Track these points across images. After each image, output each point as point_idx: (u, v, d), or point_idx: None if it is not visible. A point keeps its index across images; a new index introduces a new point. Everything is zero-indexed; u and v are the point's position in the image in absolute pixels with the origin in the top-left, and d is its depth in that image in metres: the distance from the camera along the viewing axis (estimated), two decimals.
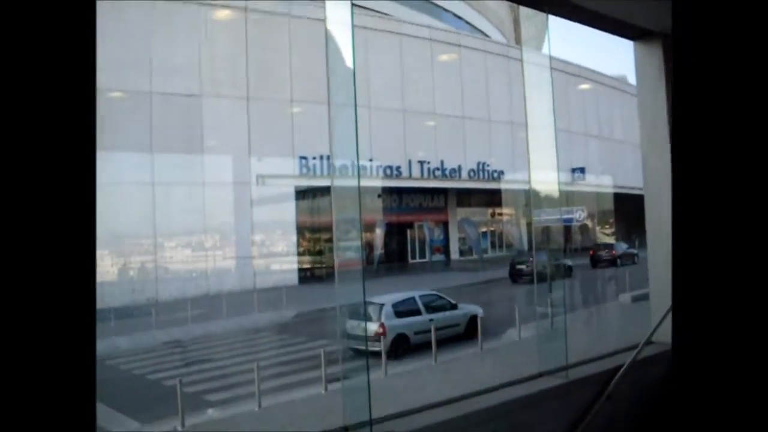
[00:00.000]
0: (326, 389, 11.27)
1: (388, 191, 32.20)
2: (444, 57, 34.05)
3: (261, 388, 11.05)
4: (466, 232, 37.11)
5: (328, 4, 3.96)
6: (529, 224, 30.67)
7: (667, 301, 4.80)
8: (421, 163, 32.56)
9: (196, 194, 24.78)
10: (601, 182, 39.56)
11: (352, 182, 4.15)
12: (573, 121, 36.05)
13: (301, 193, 28.40)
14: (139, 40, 23.54)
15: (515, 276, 26.65)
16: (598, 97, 41.21)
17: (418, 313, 16.28)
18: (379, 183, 30.63)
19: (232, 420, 10.53)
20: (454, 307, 17.05)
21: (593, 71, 41.27)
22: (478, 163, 34.64)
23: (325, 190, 25.66)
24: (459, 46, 35.13)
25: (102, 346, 15.25)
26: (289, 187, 28.10)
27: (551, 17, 4.63)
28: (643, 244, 6.08)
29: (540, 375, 4.45)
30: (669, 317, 4.74)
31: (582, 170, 37.01)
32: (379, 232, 32.67)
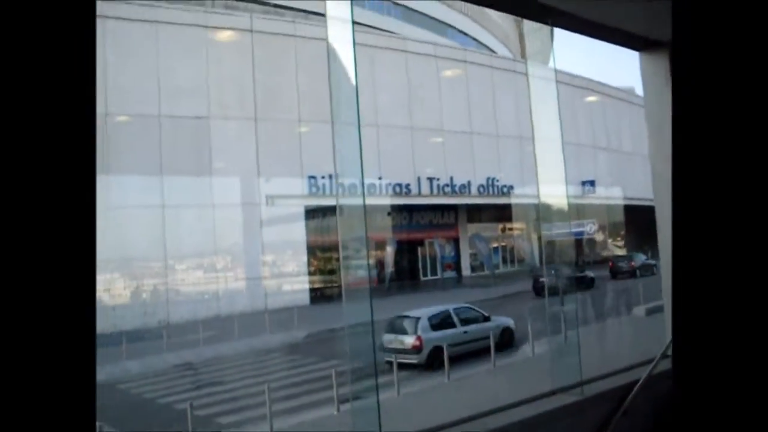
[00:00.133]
0: (338, 410, 11.17)
1: (397, 209, 32.18)
2: (450, 73, 34.15)
3: (273, 409, 10.97)
4: (477, 247, 36.99)
5: (329, 22, 3.92)
6: (539, 238, 30.62)
7: None
8: (431, 179, 32.52)
9: (206, 216, 24.85)
10: (612, 194, 39.44)
11: (359, 201, 4.10)
12: (582, 133, 36.02)
13: (311, 213, 28.38)
14: (146, 64, 23.72)
15: (539, 289, 26.56)
16: (606, 109, 41.18)
17: (452, 325, 16.55)
18: (388, 201, 30.62)
19: None
20: (486, 319, 17.36)
21: (601, 83, 41.29)
22: (488, 179, 34.57)
23: (335, 210, 25.67)
24: (465, 62, 35.22)
25: (113, 370, 15.24)
26: (298, 207, 28.12)
27: (559, 31, 4.60)
28: (656, 255, 6.01)
29: (553, 392, 4.36)
30: None
31: (592, 183, 36.92)
32: (389, 250, 32.64)
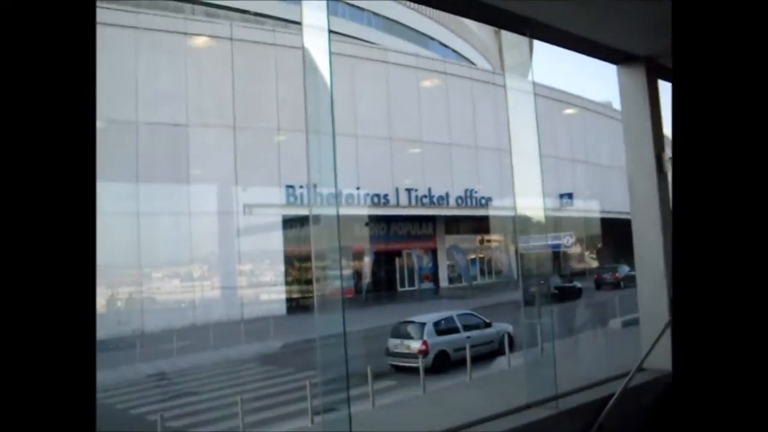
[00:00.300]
0: (312, 422, 11.05)
1: (375, 219, 32.13)
2: (430, 84, 34.25)
3: (247, 421, 10.84)
4: (455, 259, 37.04)
5: (305, 30, 3.87)
6: (516, 251, 30.81)
7: (656, 326, 4.73)
8: (409, 190, 32.52)
9: (182, 224, 24.63)
10: (589, 207, 39.72)
11: (333, 210, 4.06)
12: (560, 147, 36.26)
13: (289, 222, 28.22)
14: (124, 70, 23.50)
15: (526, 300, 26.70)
16: (584, 122, 41.52)
17: (456, 331, 17.08)
18: (366, 211, 30.58)
19: None
20: (488, 325, 17.91)
21: (579, 97, 41.64)
22: (466, 190, 34.65)
23: (315, 219, 25.47)
24: (445, 73, 35.36)
25: None
26: (276, 216, 27.96)
27: (540, 47, 4.61)
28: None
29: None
30: (660, 343, 4.64)
31: (570, 196, 37.16)
32: (367, 261, 32.57)
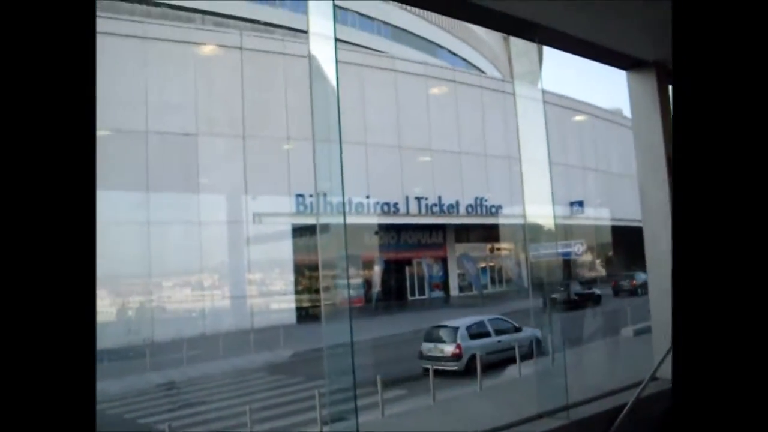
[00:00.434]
0: (322, 431, 10.99)
1: (385, 228, 32.10)
2: (440, 93, 34.24)
3: (255, 430, 10.79)
4: (465, 267, 36.92)
5: (311, 38, 3.85)
6: (527, 259, 30.79)
7: (668, 334, 4.66)
8: (419, 199, 32.48)
9: (192, 233, 24.66)
10: (600, 215, 39.56)
11: (340, 219, 4.03)
12: (570, 155, 36.14)
13: (298, 231, 28.23)
14: (134, 80, 23.63)
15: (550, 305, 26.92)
16: (595, 130, 41.40)
17: (488, 335, 17.65)
18: (376, 220, 30.55)
19: None
20: (518, 329, 18.30)
21: (589, 105, 41.55)
22: (476, 199, 34.57)
23: (324, 228, 25.44)
24: (455, 82, 35.35)
25: None
26: (286, 225, 27.98)
27: (550, 55, 4.57)
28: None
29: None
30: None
31: (580, 203, 37.02)
32: (377, 270, 32.53)
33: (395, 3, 38.10)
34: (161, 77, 24.73)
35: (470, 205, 34.46)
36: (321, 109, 3.92)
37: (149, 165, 23.81)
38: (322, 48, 3.91)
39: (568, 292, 28.69)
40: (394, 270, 34.58)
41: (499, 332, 17.81)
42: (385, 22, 41.37)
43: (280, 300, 28.28)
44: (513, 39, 4.98)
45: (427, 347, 17.15)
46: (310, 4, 3.83)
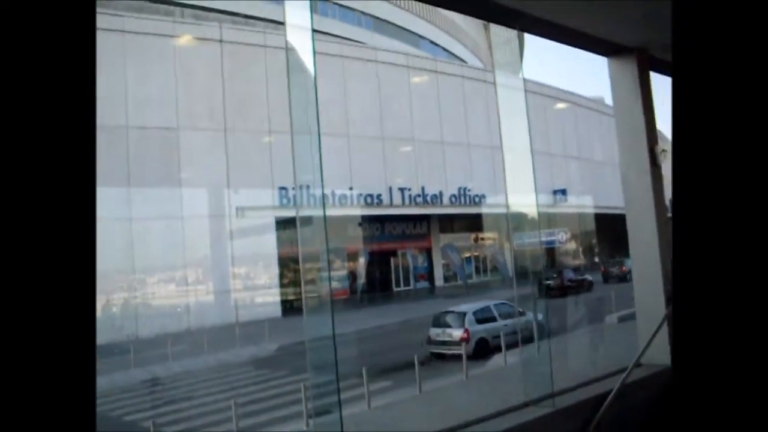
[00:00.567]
0: (308, 425, 10.96)
1: (369, 220, 32.06)
2: (421, 83, 34.19)
3: (242, 425, 10.75)
4: (450, 258, 37.01)
5: (288, 29, 3.78)
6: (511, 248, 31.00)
7: (652, 320, 4.67)
8: (402, 190, 32.46)
9: (175, 228, 24.51)
10: (583, 203, 39.74)
11: (320, 211, 3.97)
12: (553, 143, 36.25)
13: (282, 224, 28.11)
14: (113, 74, 23.36)
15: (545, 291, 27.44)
16: (577, 118, 41.54)
17: (494, 319, 18.09)
18: (359, 211, 30.50)
19: None
20: (522, 314, 18.37)
21: (571, 93, 41.67)
22: (459, 189, 34.61)
23: (306, 220, 25.37)
24: (436, 72, 35.32)
25: None
26: (269, 219, 27.86)
27: (532, 44, 4.54)
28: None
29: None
30: (657, 337, 4.58)
31: (563, 192, 37.17)
32: (361, 261, 32.52)
33: None
34: (141, 71, 24.50)
35: (454, 195, 34.50)
36: (299, 101, 3.87)
37: (130, 160, 23.61)
38: (299, 39, 3.85)
39: (561, 279, 29.35)
40: (379, 261, 34.58)
41: (504, 316, 18.17)
42: (365, 13, 41.20)
43: (264, 293, 28.21)
44: (493, 28, 4.95)
45: (435, 332, 17.66)
46: None
